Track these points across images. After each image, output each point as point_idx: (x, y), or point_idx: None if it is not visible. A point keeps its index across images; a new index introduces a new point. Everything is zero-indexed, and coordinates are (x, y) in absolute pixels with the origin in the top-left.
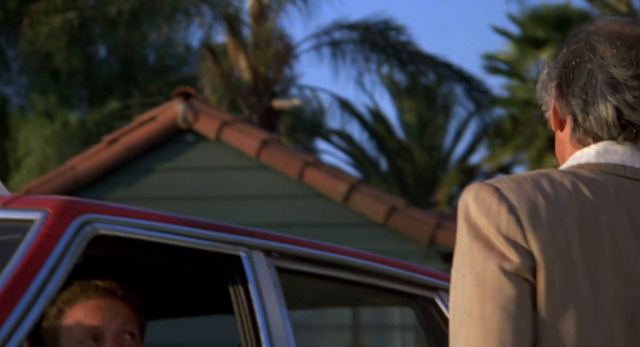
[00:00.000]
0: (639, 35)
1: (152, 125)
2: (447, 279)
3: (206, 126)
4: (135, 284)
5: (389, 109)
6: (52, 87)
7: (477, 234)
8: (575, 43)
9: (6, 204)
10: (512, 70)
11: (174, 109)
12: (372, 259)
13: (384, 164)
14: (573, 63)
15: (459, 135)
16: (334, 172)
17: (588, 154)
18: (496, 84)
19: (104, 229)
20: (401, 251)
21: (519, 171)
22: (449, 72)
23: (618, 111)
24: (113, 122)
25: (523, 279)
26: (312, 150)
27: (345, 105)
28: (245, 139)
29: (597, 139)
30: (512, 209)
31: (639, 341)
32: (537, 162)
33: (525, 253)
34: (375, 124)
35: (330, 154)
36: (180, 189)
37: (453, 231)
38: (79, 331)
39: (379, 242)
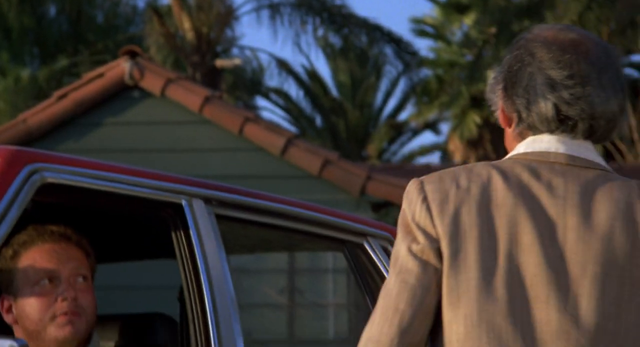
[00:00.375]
0: (571, 39)
1: (100, 82)
2: (376, 226)
3: (151, 83)
4: (83, 230)
5: (324, 69)
6: (4, 44)
7: (402, 221)
8: (516, 50)
9: None
10: (437, 33)
11: (121, 67)
12: (306, 207)
13: (319, 120)
14: (515, 67)
15: (388, 93)
16: (272, 127)
17: (519, 147)
18: (423, 46)
19: (52, 178)
20: (334, 200)
21: (444, 127)
22: (379, 34)
23: (556, 107)
24: (63, 79)
25: (427, 259)
26: (252, 107)
27: (283, 65)
28: (189, 96)
29: (538, 133)
30: (425, 200)
31: (529, 312)
32: (460, 119)
33: (432, 237)
34: (311, 83)
35: (269, 110)
36: (127, 143)
37: (382, 182)
38: (34, 272)
39: (313, 192)
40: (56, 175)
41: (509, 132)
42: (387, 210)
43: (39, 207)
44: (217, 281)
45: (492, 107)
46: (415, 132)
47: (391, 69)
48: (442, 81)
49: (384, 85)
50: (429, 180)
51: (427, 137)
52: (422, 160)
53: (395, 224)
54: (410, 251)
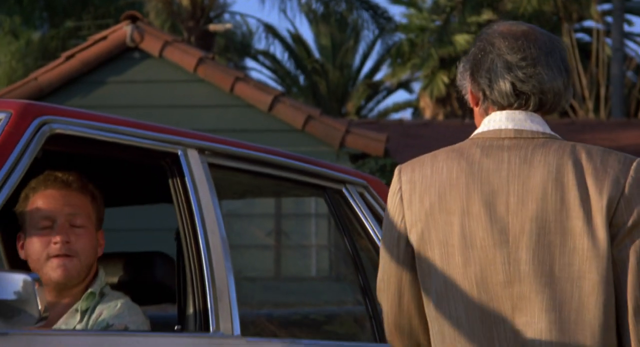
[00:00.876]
0: (522, 31)
1: (104, 44)
2: (353, 175)
3: (150, 45)
4: (89, 177)
5: (307, 33)
6: (16, 9)
7: (387, 205)
8: (479, 41)
9: None
10: (410, 0)
11: (123, 30)
12: (290, 157)
13: (302, 80)
14: (479, 55)
15: (365, 56)
16: (260, 86)
17: (481, 126)
18: (397, 13)
19: (60, 129)
20: (316, 152)
21: (415, 86)
22: (358, 1)
23: (513, 85)
24: (70, 41)
25: (404, 235)
26: (242, 68)
27: (270, 30)
28: (185, 57)
29: (500, 107)
30: (400, 190)
31: (481, 269)
32: (430, 79)
33: (404, 224)
34: (295, 46)
35: (257, 71)
36: (128, 99)
37: (360, 135)
38: (37, 215)
39: (297, 145)
40: (64, 126)
41: (477, 111)
42: (364, 161)
43: (49, 155)
44: (210, 223)
45: (462, 91)
46: (390, 91)
47: (368, 33)
48: (413, 44)
49: (361, 48)
50: (405, 169)
51: (400, 96)
52: (396, 116)
53: (371, 173)
54: (390, 230)
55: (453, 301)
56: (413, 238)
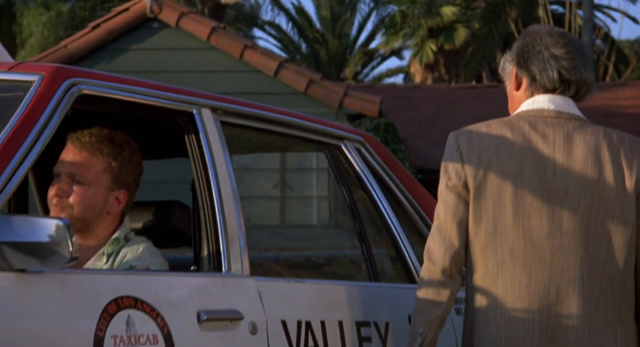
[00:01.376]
0: (560, 32)
1: (126, 15)
2: (351, 132)
3: (168, 16)
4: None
5: (309, 6)
6: None
7: (443, 164)
8: (525, 38)
9: (11, 69)
10: None
11: (143, 2)
12: (294, 115)
13: (304, 48)
14: (528, 47)
15: (362, 26)
16: (267, 53)
17: (523, 106)
18: None
19: (87, 90)
20: (317, 113)
21: (406, 54)
22: None
23: (559, 73)
24: (96, 12)
25: (458, 192)
26: (250, 37)
27: (276, 2)
28: (199, 27)
29: (545, 91)
30: (458, 149)
31: (529, 222)
32: (419, 47)
33: (461, 176)
34: (298, 17)
35: (264, 40)
36: (148, 65)
37: (357, 98)
38: (54, 168)
39: (300, 107)
40: (91, 87)
41: (517, 94)
42: (360, 121)
43: (78, 114)
44: (222, 176)
45: (504, 78)
46: (383, 58)
47: (364, 6)
48: (405, 15)
49: (358, 19)
50: (461, 134)
51: (392, 62)
52: (389, 80)
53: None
54: (447, 186)
55: (499, 245)
56: (470, 189)
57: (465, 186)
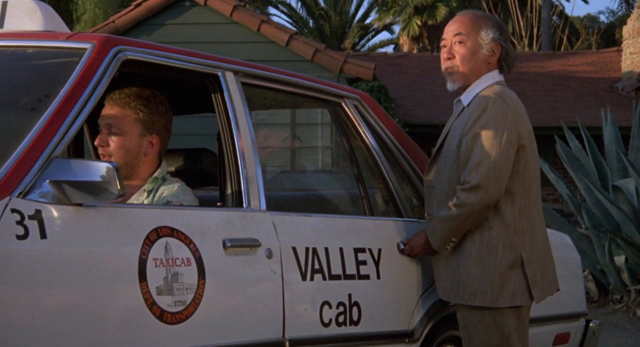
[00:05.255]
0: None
1: None
2: (350, 91)
3: None
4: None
5: None
6: None
7: (497, 121)
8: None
9: (69, 38)
10: None
11: None
12: (303, 78)
13: (311, 23)
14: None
15: (359, 4)
16: (280, 27)
17: (497, 76)
18: None
19: (132, 55)
20: (321, 77)
21: (396, 28)
22: None
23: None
24: None
25: (513, 145)
26: (266, 14)
27: None
28: (223, 5)
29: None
30: (512, 111)
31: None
32: (407, 22)
33: (516, 132)
34: None
35: (277, 16)
36: (181, 37)
37: (354, 64)
38: (98, 122)
39: (307, 72)
40: (134, 54)
41: (492, 61)
42: (357, 83)
43: (124, 76)
44: (243, 128)
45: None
46: (377, 32)
47: None
48: None
49: None
50: (509, 98)
51: (384, 35)
52: (381, 50)
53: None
54: (508, 140)
55: (535, 186)
56: (521, 144)
57: (517, 141)
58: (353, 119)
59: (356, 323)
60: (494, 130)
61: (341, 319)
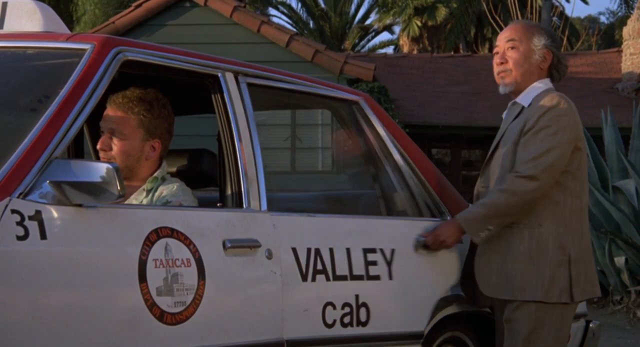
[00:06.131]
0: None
1: None
2: (351, 92)
3: None
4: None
5: None
6: None
7: (560, 120)
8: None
9: (69, 39)
10: None
11: None
12: (303, 79)
13: (312, 24)
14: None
15: (359, 5)
16: (280, 28)
17: (549, 83)
18: None
19: (131, 56)
20: (322, 78)
21: (396, 29)
22: None
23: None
24: None
25: (570, 144)
26: (266, 14)
27: None
28: (223, 6)
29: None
30: (574, 112)
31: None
32: (407, 23)
33: (577, 131)
34: None
35: (277, 17)
36: (181, 38)
37: (355, 65)
38: (100, 124)
39: (308, 73)
40: (134, 54)
41: (544, 67)
42: (358, 84)
43: (123, 77)
44: (243, 129)
45: (534, 52)
46: (377, 32)
47: None
48: None
49: None
50: (571, 101)
51: (384, 36)
52: (381, 51)
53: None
54: (569, 140)
55: (587, 189)
56: (577, 146)
57: (575, 142)
58: (354, 119)
59: (364, 324)
60: (556, 127)
61: (347, 320)
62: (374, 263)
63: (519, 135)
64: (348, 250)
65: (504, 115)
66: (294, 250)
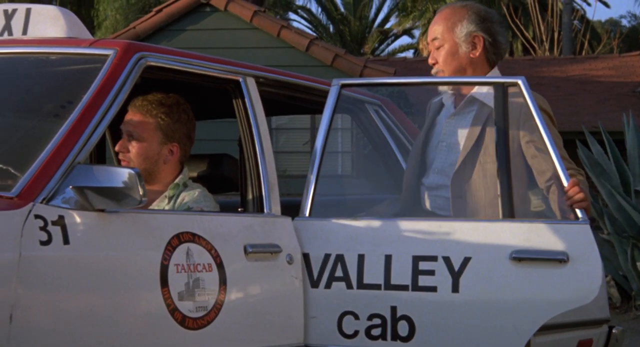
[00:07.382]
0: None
1: (184, 1)
2: (371, 96)
3: (218, 1)
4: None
5: None
6: None
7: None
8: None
9: (91, 45)
10: None
11: None
12: (322, 83)
13: (331, 28)
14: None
15: (379, 9)
16: (300, 32)
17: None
18: None
19: (153, 62)
20: None
21: (416, 32)
22: None
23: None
24: None
25: None
26: (286, 19)
27: None
28: (243, 10)
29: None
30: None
31: None
32: (426, 27)
33: None
34: (326, 1)
35: (297, 21)
36: (201, 43)
37: (374, 69)
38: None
39: (328, 77)
40: (156, 60)
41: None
42: (377, 88)
43: (147, 82)
44: (264, 133)
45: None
46: (397, 36)
47: None
48: (415, 0)
49: (375, 3)
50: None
51: (404, 40)
52: (401, 55)
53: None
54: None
55: None
56: None
57: None
58: (374, 122)
59: (405, 339)
60: (551, 124)
61: (376, 332)
62: (429, 272)
63: (517, 143)
64: (388, 257)
65: (436, 101)
66: (316, 256)
